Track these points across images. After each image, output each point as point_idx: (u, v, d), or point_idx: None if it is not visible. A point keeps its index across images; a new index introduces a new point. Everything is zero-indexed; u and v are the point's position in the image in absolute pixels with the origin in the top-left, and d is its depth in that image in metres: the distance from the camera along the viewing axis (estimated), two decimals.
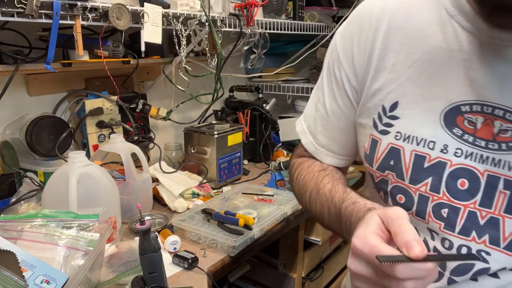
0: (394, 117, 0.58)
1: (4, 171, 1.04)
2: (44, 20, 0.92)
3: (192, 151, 1.41)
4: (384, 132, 0.59)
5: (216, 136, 1.35)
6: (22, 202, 1.03)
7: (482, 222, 0.53)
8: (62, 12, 0.94)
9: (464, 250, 0.55)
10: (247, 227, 1.00)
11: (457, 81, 0.53)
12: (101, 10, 1.01)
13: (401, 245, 0.43)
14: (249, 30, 1.42)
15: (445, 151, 0.54)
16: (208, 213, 1.05)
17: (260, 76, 1.91)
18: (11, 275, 0.61)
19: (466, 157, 0.53)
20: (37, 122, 1.10)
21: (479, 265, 0.54)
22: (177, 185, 1.23)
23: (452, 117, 0.53)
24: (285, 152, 1.68)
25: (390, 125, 0.58)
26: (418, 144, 0.56)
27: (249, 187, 1.31)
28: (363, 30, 0.60)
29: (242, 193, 1.27)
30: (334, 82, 0.66)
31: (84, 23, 0.99)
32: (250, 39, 1.46)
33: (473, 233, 0.54)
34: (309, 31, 1.74)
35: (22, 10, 0.87)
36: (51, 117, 1.16)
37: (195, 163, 1.40)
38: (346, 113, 0.66)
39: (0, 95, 1.04)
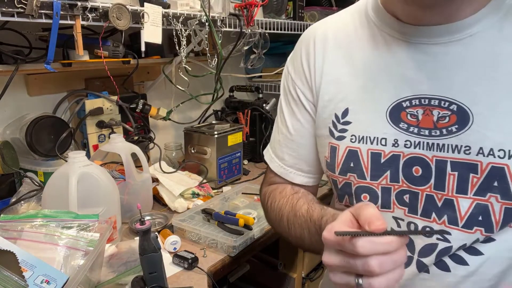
0: (347, 123, 0.64)
1: (4, 171, 1.04)
2: (44, 20, 0.92)
3: (192, 151, 1.41)
4: (341, 138, 0.64)
5: (216, 136, 1.35)
6: (22, 202, 1.03)
7: (439, 204, 0.58)
8: (62, 12, 0.94)
9: None
10: (247, 227, 1.00)
11: (395, 81, 0.60)
12: (101, 10, 1.01)
13: (363, 223, 0.46)
14: (249, 30, 1.42)
15: (396, 145, 0.60)
16: (208, 213, 1.05)
17: (260, 76, 1.91)
18: (11, 275, 0.61)
19: (415, 147, 0.59)
20: (37, 122, 1.10)
21: (441, 244, 0.58)
22: (177, 185, 1.23)
23: (396, 114, 0.59)
24: None
25: (345, 130, 0.64)
26: (372, 143, 0.61)
27: (249, 187, 1.31)
28: (309, 49, 0.69)
29: (242, 193, 1.27)
30: (291, 101, 0.72)
31: (84, 23, 0.99)
32: (250, 39, 1.46)
33: (433, 215, 0.59)
34: None
35: (22, 10, 0.87)
36: (51, 117, 1.16)
37: (195, 163, 1.40)
38: (307, 128, 0.71)
39: (0, 95, 1.04)
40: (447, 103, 0.56)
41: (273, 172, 0.76)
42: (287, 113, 0.73)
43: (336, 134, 0.65)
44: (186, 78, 1.38)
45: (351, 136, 0.63)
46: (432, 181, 0.58)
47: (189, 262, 0.89)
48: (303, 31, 1.76)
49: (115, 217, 0.97)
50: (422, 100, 0.58)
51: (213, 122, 1.57)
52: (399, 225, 0.62)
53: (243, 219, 1.00)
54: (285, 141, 0.74)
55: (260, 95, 1.72)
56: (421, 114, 0.58)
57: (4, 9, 0.85)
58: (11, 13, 0.87)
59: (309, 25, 1.73)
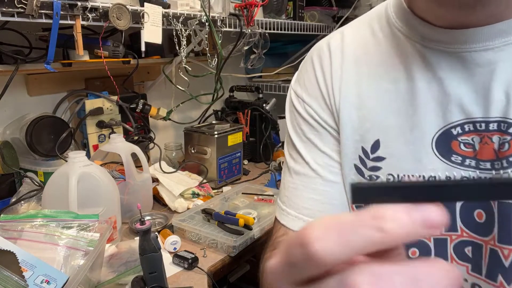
0: (380, 158, 0.50)
1: (4, 171, 1.04)
2: (44, 20, 0.92)
3: (192, 151, 1.41)
4: (373, 178, 0.51)
5: (216, 136, 1.35)
6: (22, 202, 1.03)
7: (506, 263, 0.44)
8: (62, 12, 0.94)
9: None
10: (247, 227, 1.00)
11: (438, 103, 0.47)
12: (101, 10, 1.01)
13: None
14: (249, 30, 1.42)
15: None
16: (208, 213, 1.05)
17: (260, 76, 1.91)
18: (11, 275, 0.61)
19: None
20: (37, 122, 1.09)
21: None
22: (177, 185, 1.23)
23: (445, 144, 0.47)
24: None
25: (377, 168, 0.51)
26: None
27: (249, 187, 1.31)
28: (324, 64, 0.55)
29: (242, 193, 1.27)
30: (309, 131, 0.56)
31: (84, 23, 0.99)
32: (250, 39, 1.46)
33: (500, 278, 0.45)
34: (309, 31, 1.74)
35: (22, 10, 0.87)
36: (51, 117, 1.16)
37: (195, 163, 1.40)
38: (338, 161, 0.54)
39: (0, 95, 1.04)
40: (506, 125, 0.44)
41: (283, 231, 0.56)
42: (303, 148, 0.56)
43: (366, 173, 0.51)
44: (186, 78, 1.38)
45: (388, 175, 0.50)
46: (496, 230, 0.45)
47: (189, 262, 0.89)
48: (303, 31, 1.76)
49: (115, 217, 0.97)
50: (477, 124, 0.45)
51: (213, 122, 1.57)
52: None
53: (243, 219, 1.00)
54: (305, 182, 0.55)
55: (260, 95, 1.72)
56: (477, 143, 0.45)
57: (4, 9, 0.85)
58: (11, 13, 0.87)
59: (309, 25, 1.73)
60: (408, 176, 0.49)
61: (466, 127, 0.46)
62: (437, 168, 0.47)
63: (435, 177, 0.47)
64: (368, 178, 0.52)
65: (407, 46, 0.49)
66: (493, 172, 0.45)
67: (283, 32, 1.60)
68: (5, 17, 0.87)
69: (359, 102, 0.52)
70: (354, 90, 0.52)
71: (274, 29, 1.54)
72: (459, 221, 0.47)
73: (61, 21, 0.94)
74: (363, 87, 0.52)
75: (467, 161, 0.46)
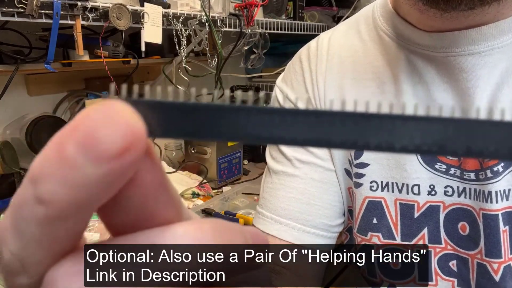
0: (363, 165, 0.48)
1: (4, 171, 1.04)
2: (44, 20, 0.92)
3: (192, 151, 1.41)
4: (357, 185, 0.48)
5: None
6: None
7: (497, 277, 0.42)
8: (62, 12, 0.93)
9: None
10: None
11: (423, 108, 0.44)
12: (101, 10, 1.01)
13: None
14: (249, 30, 1.42)
15: (433, 192, 0.45)
16: (208, 213, 1.05)
17: (260, 76, 1.90)
18: None
19: (459, 195, 0.44)
20: (37, 122, 1.09)
21: None
22: (177, 185, 1.23)
23: None
24: None
25: (361, 175, 0.48)
26: (400, 191, 0.46)
27: (249, 187, 1.31)
28: (311, 63, 0.53)
29: (242, 193, 1.27)
30: None
31: (84, 23, 0.99)
32: (250, 39, 1.46)
33: None
34: (309, 31, 1.74)
35: (22, 10, 0.87)
36: (51, 117, 1.16)
37: (195, 163, 1.40)
38: (322, 158, 0.51)
39: (0, 95, 1.04)
40: None
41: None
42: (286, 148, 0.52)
43: (353, 179, 0.49)
44: (186, 78, 1.37)
45: (371, 183, 0.48)
46: (482, 244, 0.43)
47: None
48: (303, 31, 1.77)
49: None
50: None
51: None
52: None
53: (243, 219, 0.99)
54: (284, 181, 0.51)
55: (260, 95, 1.72)
56: None
57: (4, 9, 0.85)
58: (11, 13, 0.87)
59: (309, 25, 1.73)
60: (393, 183, 0.46)
61: None
62: (422, 177, 0.45)
63: (419, 185, 0.45)
64: (354, 184, 0.49)
65: (393, 49, 0.48)
66: (477, 183, 0.43)
67: (283, 32, 1.60)
68: (5, 17, 0.87)
69: (342, 104, 0.48)
70: (337, 92, 0.50)
71: (274, 29, 1.54)
72: (443, 232, 0.45)
73: (61, 21, 0.94)
74: (346, 89, 0.50)
75: (452, 170, 0.44)
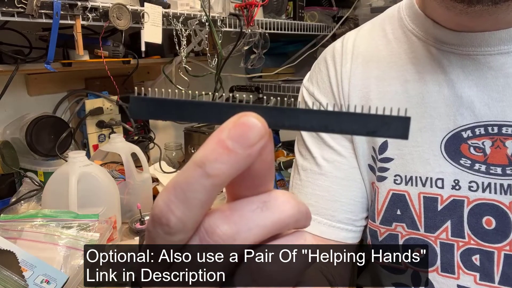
0: (387, 159, 0.50)
1: (4, 171, 1.04)
2: (44, 20, 0.92)
3: (192, 151, 1.41)
4: (381, 178, 0.50)
5: None
6: (22, 202, 1.03)
7: None
8: (62, 12, 0.93)
9: None
10: None
11: (449, 105, 0.46)
12: (101, 10, 1.01)
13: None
14: (249, 30, 1.42)
15: (457, 187, 0.46)
16: None
17: (260, 76, 1.91)
18: (11, 275, 0.61)
19: (484, 190, 0.45)
20: (37, 122, 1.09)
21: None
22: None
23: (454, 147, 0.46)
24: (285, 152, 1.67)
25: (385, 169, 0.50)
26: (424, 185, 0.48)
27: None
28: (336, 62, 0.55)
29: None
30: None
31: (84, 23, 0.99)
32: (250, 39, 1.46)
33: None
34: (309, 31, 1.74)
35: (22, 10, 0.87)
36: (51, 117, 1.16)
37: None
38: (347, 157, 0.53)
39: (0, 95, 1.04)
40: None
41: None
42: (311, 143, 0.55)
43: (376, 173, 0.51)
44: (186, 78, 1.37)
45: (395, 176, 0.49)
46: None
47: None
48: (303, 31, 1.77)
49: (115, 217, 0.97)
50: (489, 128, 0.44)
51: None
52: None
53: None
54: (311, 178, 0.54)
55: (260, 95, 1.72)
56: (489, 147, 0.45)
57: (4, 9, 0.85)
58: (11, 13, 0.87)
59: (309, 25, 1.73)
60: (416, 177, 0.48)
61: (477, 131, 0.45)
62: (446, 171, 0.47)
63: (442, 179, 0.47)
64: (377, 178, 0.51)
65: (419, 48, 0.49)
66: (504, 177, 0.44)
67: (283, 32, 1.60)
68: (5, 17, 0.87)
69: (366, 103, 0.51)
70: (362, 91, 0.52)
71: (274, 29, 1.54)
72: (467, 227, 0.46)
73: (61, 21, 0.94)
74: (371, 88, 0.52)
75: (477, 166, 0.45)
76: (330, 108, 0.22)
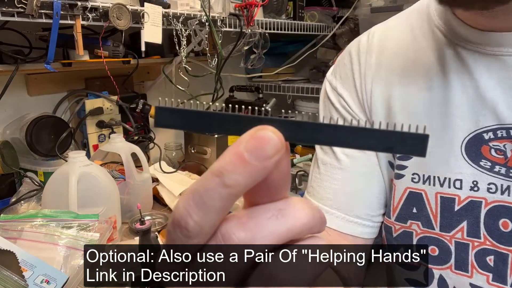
0: (406, 157, 0.50)
1: (4, 171, 1.04)
2: (44, 20, 0.92)
3: (192, 151, 1.41)
4: (399, 176, 0.50)
5: (216, 136, 1.35)
6: (22, 202, 1.03)
7: None
8: (62, 12, 0.93)
9: None
10: None
11: (472, 105, 0.46)
12: (101, 10, 1.01)
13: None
14: (249, 30, 1.42)
15: (475, 188, 0.45)
16: None
17: (260, 76, 1.91)
18: (11, 275, 0.61)
19: (502, 192, 0.44)
20: (37, 122, 1.09)
21: None
22: (177, 185, 1.23)
23: (475, 148, 0.45)
24: None
25: (403, 167, 0.50)
26: (442, 185, 0.47)
27: None
28: (361, 56, 0.55)
29: None
30: (340, 121, 0.54)
31: (84, 23, 0.99)
32: (250, 39, 1.46)
33: None
34: (309, 31, 1.74)
35: (22, 10, 0.87)
36: (51, 117, 1.16)
37: (195, 163, 1.40)
38: (368, 154, 0.53)
39: (0, 95, 1.04)
40: None
41: None
42: None
43: (395, 170, 0.51)
44: (186, 78, 1.37)
45: (413, 174, 0.49)
46: None
47: None
48: (303, 31, 1.76)
49: (115, 217, 0.97)
50: (511, 131, 0.44)
51: None
52: None
53: None
54: (330, 172, 0.54)
55: (260, 95, 1.72)
56: (510, 150, 0.44)
57: (4, 9, 0.85)
58: (11, 13, 0.87)
59: (309, 25, 1.73)
60: (434, 177, 0.48)
61: (499, 133, 0.44)
62: (465, 172, 0.46)
63: (461, 180, 0.46)
64: (394, 175, 0.51)
65: (444, 45, 0.48)
66: None
67: (283, 32, 1.60)
68: (5, 17, 0.87)
69: (389, 99, 0.51)
70: (385, 87, 0.52)
71: (274, 29, 1.54)
72: (483, 228, 0.46)
73: (61, 21, 0.94)
74: (394, 85, 0.51)
75: (497, 168, 0.45)
76: (347, 123, 0.22)
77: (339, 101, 0.56)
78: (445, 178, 0.47)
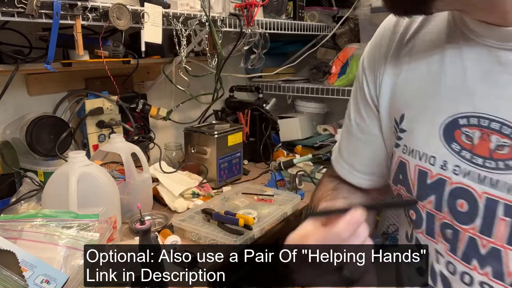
0: (402, 130, 0.56)
1: (4, 171, 1.04)
2: (44, 20, 0.92)
3: (192, 151, 1.41)
4: (396, 145, 0.57)
5: (216, 136, 1.35)
6: (22, 202, 1.03)
7: (483, 251, 0.48)
8: (62, 12, 0.93)
9: (466, 279, 0.51)
10: (247, 227, 1.00)
11: (456, 91, 0.49)
12: (101, 10, 1.01)
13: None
14: (249, 30, 1.42)
15: (444, 167, 0.50)
16: (208, 213, 1.05)
17: (260, 76, 1.91)
18: (11, 275, 0.61)
19: (464, 175, 0.49)
20: (37, 122, 1.09)
21: None
22: (177, 185, 1.23)
23: (450, 131, 0.50)
24: (285, 152, 1.68)
25: (400, 138, 0.56)
26: (420, 159, 0.53)
27: (249, 187, 1.31)
28: (384, 38, 0.60)
29: (242, 193, 1.27)
30: (358, 93, 0.63)
31: (84, 23, 0.99)
32: (250, 39, 1.46)
33: (474, 262, 0.50)
34: (309, 31, 1.74)
35: (22, 10, 0.87)
36: (51, 117, 1.16)
37: (195, 163, 1.40)
38: (369, 125, 0.63)
39: (0, 95, 1.04)
40: (509, 130, 0.45)
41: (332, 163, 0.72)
42: (352, 104, 0.65)
43: (395, 140, 0.58)
44: (186, 78, 1.37)
45: (404, 146, 0.56)
46: (478, 222, 0.48)
47: (188, 262, 0.89)
48: (303, 31, 1.77)
49: (115, 217, 0.97)
50: (481, 120, 0.47)
51: (213, 122, 1.57)
52: (438, 261, 0.54)
53: (243, 219, 1.00)
54: (347, 134, 0.67)
55: (260, 95, 1.72)
56: (477, 138, 0.48)
57: (4, 9, 0.85)
58: (11, 13, 0.87)
59: (309, 25, 1.73)
60: (416, 151, 0.54)
61: (472, 120, 0.48)
62: (438, 151, 0.51)
63: (435, 157, 0.52)
64: (395, 144, 0.58)
65: (452, 29, 0.51)
66: (483, 169, 0.47)
67: (283, 32, 1.60)
68: (5, 17, 0.87)
69: (394, 75, 0.57)
70: (395, 66, 0.57)
71: (274, 29, 1.54)
72: (446, 205, 0.51)
73: (61, 21, 0.94)
74: (403, 63, 0.56)
75: (463, 152, 0.49)
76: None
77: (362, 75, 0.63)
78: (423, 153, 0.53)
